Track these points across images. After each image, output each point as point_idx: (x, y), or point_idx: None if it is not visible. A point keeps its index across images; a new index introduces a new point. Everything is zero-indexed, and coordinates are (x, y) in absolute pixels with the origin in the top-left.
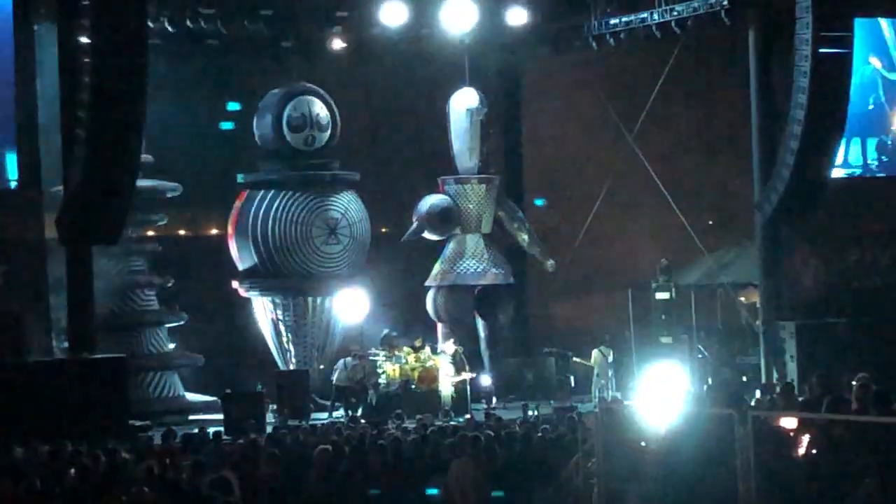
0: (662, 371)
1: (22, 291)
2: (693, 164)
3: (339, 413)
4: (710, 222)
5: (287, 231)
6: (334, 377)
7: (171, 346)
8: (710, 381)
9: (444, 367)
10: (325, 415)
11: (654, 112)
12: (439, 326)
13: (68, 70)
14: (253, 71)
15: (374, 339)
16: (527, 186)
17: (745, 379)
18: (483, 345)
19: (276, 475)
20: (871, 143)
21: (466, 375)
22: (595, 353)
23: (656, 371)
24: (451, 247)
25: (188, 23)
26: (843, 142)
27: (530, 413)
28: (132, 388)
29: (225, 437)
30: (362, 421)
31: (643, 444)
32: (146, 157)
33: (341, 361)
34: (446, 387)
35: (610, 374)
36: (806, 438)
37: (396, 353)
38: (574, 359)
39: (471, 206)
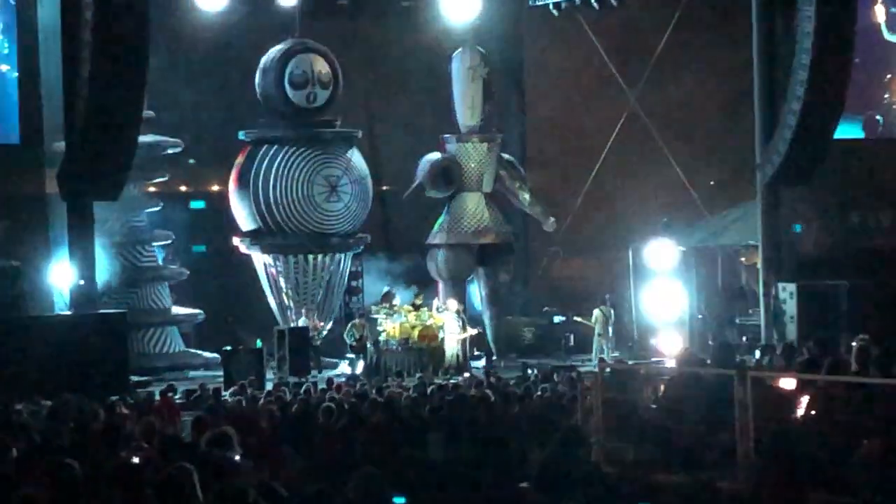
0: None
1: (23, 247)
2: (695, 125)
3: (339, 370)
4: (712, 183)
5: (288, 188)
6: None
7: (172, 301)
8: (710, 341)
9: (449, 324)
10: (327, 372)
11: (656, 72)
12: (440, 285)
13: (70, 25)
14: (256, 27)
15: (375, 297)
16: (528, 145)
17: (745, 340)
18: (483, 303)
19: (276, 432)
20: None
21: (472, 331)
22: (596, 312)
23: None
24: (452, 205)
25: None
26: None
27: (529, 372)
28: (132, 343)
29: (224, 393)
30: (361, 379)
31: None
32: (148, 113)
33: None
34: (452, 344)
35: (610, 333)
36: (805, 399)
37: (396, 311)
38: (575, 318)
39: (472, 165)
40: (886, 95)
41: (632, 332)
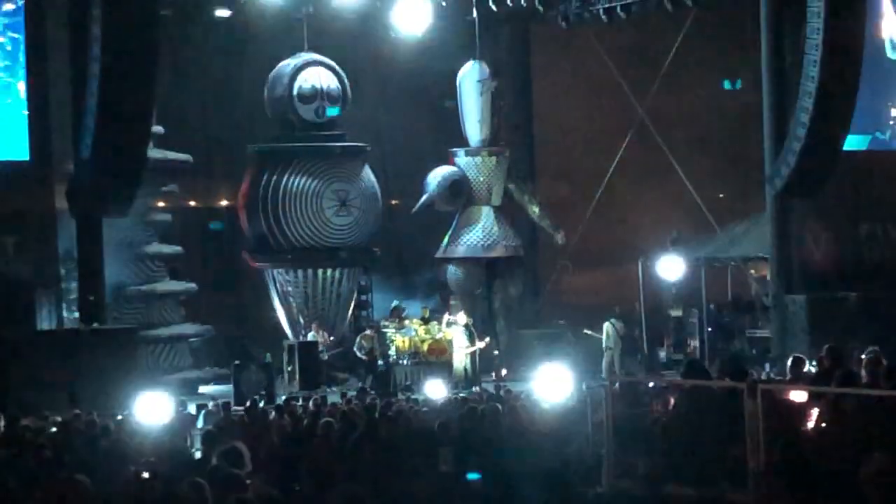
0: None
1: (33, 263)
2: (704, 137)
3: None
4: (721, 195)
5: (298, 203)
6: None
7: (181, 316)
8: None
9: (457, 338)
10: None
11: (664, 84)
12: (449, 298)
13: (79, 41)
14: (265, 41)
15: (384, 311)
16: (537, 158)
17: (754, 352)
18: (493, 317)
19: (286, 446)
20: None
21: (481, 344)
22: (606, 325)
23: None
24: (461, 219)
25: None
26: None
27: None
28: (142, 358)
29: (234, 407)
30: (372, 392)
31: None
32: (157, 128)
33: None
34: (460, 359)
35: (620, 346)
36: (815, 412)
37: (406, 324)
38: (585, 331)
39: (481, 179)
40: (894, 114)
41: (641, 346)
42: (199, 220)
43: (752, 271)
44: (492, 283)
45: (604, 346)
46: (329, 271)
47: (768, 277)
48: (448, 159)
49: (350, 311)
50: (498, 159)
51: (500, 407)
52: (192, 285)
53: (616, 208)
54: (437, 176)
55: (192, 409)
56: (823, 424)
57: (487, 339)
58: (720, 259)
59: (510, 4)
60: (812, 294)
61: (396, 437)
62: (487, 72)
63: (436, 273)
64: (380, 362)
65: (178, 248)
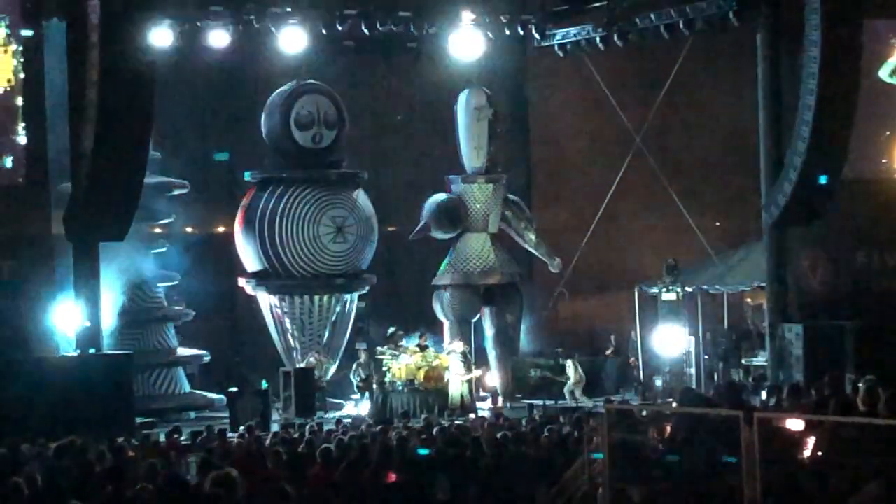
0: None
1: (28, 287)
2: (700, 165)
3: (344, 411)
4: (718, 223)
5: (294, 229)
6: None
7: (178, 342)
8: (716, 382)
9: (454, 366)
10: (332, 413)
11: (661, 112)
12: (445, 325)
13: (77, 66)
14: (261, 68)
15: (380, 338)
16: (534, 185)
17: (751, 380)
18: (490, 344)
19: (281, 473)
20: None
21: (476, 373)
22: (570, 363)
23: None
24: (458, 246)
25: (197, 22)
26: None
27: (535, 413)
28: (138, 384)
29: (230, 434)
30: (368, 419)
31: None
32: (154, 154)
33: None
34: (456, 386)
35: (580, 377)
36: (812, 440)
37: (402, 351)
38: (546, 374)
39: (478, 206)
40: (885, 160)
41: (637, 374)
42: (196, 245)
43: (749, 300)
44: (489, 310)
45: (572, 382)
46: (325, 298)
47: (765, 306)
48: (445, 186)
49: (346, 338)
50: (495, 186)
51: (495, 434)
52: (189, 311)
53: (613, 235)
54: (433, 203)
55: (187, 434)
56: (820, 453)
57: (483, 370)
58: (717, 287)
59: (507, 32)
60: (808, 323)
61: (393, 464)
62: (484, 98)
63: (432, 300)
64: (375, 389)
65: (174, 274)
